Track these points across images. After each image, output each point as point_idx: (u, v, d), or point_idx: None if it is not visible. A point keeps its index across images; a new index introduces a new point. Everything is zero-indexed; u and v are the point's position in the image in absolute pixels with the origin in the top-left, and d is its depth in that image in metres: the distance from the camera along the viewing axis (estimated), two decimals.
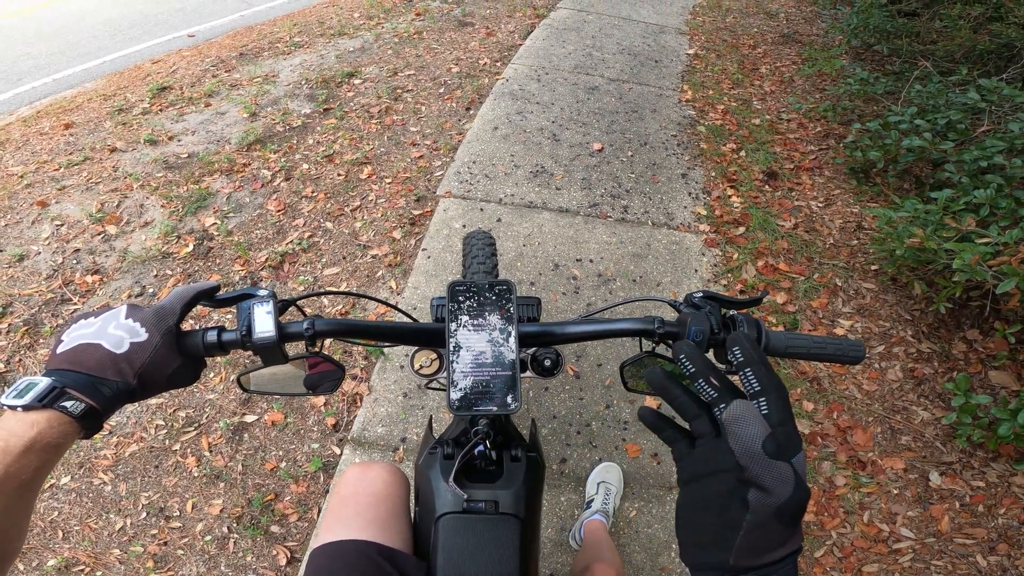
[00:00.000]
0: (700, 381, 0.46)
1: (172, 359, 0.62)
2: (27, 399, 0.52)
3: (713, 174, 3.14)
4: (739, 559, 0.41)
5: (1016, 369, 2.13)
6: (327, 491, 1.79)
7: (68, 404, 0.53)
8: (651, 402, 2.01)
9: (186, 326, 0.77)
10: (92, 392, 0.55)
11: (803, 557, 1.71)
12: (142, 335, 0.60)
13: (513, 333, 0.71)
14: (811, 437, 1.98)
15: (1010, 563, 1.71)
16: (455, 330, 0.71)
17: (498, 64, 4.11)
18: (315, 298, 2.22)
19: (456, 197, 2.81)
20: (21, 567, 1.64)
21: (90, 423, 0.55)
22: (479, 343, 0.71)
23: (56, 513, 1.76)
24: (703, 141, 3.41)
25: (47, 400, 0.52)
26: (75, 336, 0.59)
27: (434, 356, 0.80)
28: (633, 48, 4.52)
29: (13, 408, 0.52)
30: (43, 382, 0.54)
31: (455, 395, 0.69)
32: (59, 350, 0.59)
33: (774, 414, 0.42)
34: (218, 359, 2.10)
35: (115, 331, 0.60)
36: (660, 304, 2.12)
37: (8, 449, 0.49)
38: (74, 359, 0.58)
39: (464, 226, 2.64)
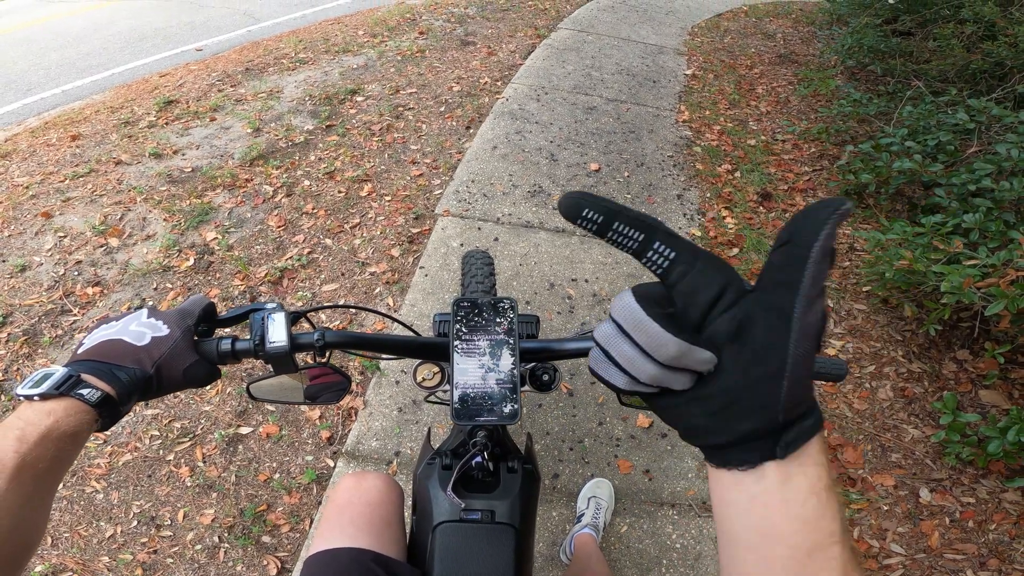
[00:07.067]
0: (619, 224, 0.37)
1: (190, 355, 0.63)
2: (44, 388, 0.52)
3: (708, 195, 3.18)
4: (789, 409, 0.34)
5: (1007, 388, 2.15)
6: (320, 503, 1.81)
7: (84, 392, 0.54)
8: (645, 420, 2.03)
9: None
10: (109, 378, 0.56)
11: None
12: (163, 330, 0.63)
13: (514, 348, 0.74)
14: None
15: None
16: (458, 344, 0.74)
17: (498, 83, 4.18)
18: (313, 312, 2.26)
19: (454, 216, 2.84)
20: None
21: (107, 412, 0.55)
22: (481, 357, 0.73)
23: None
24: (699, 162, 3.46)
25: (63, 388, 0.53)
26: (96, 336, 0.61)
27: (436, 369, 0.83)
28: (632, 68, 4.60)
29: (30, 398, 0.52)
30: (59, 371, 0.54)
31: (457, 406, 0.71)
32: (80, 350, 0.60)
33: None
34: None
35: (137, 328, 0.62)
36: None
37: (24, 438, 0.50)
38: (94, 353, 0.59)
39: (462, 245, 2.67)
